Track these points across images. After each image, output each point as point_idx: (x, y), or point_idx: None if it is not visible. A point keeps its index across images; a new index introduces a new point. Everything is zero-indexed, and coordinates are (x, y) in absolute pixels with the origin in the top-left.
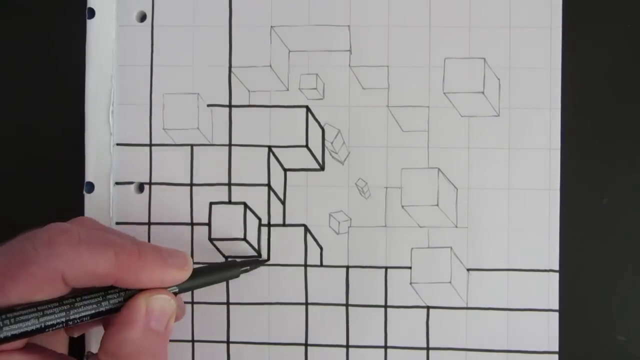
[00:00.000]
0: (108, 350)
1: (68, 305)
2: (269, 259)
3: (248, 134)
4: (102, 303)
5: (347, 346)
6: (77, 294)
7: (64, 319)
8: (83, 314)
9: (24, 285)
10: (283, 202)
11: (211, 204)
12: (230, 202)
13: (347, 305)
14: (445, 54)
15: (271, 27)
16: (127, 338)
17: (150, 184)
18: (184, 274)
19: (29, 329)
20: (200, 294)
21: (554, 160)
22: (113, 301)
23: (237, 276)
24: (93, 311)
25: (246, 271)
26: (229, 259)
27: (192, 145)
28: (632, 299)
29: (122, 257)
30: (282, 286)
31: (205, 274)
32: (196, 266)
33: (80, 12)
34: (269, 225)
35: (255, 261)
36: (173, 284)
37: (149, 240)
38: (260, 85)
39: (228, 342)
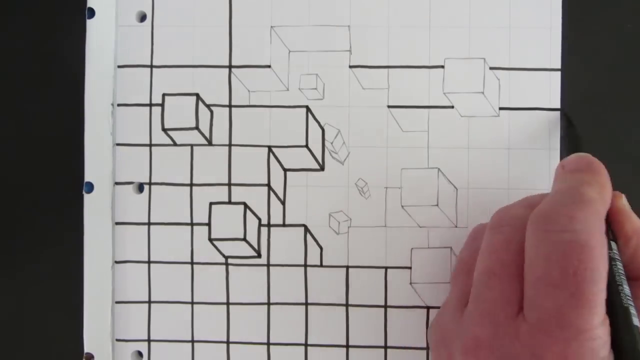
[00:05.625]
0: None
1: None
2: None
3: (248, 134)
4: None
5: (347, 346)
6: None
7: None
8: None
9: None
10: (283, 202)
11: (211, 204)
12: (230, 202)
13: (347, 305)
14: (445, 54)
15: (271, 27)
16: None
17: (150, 184)
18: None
19: None
20: (200, 293)
21: (554, 160)
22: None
23: None
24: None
25: None
26: None
27: (192, 145)
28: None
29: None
30: (282, 286)
31: None
32: None
33: (80, 12)
34: (268, 225)
35: None
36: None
37: (149, 241)
38: (260, 85)
39: (228, 342)
